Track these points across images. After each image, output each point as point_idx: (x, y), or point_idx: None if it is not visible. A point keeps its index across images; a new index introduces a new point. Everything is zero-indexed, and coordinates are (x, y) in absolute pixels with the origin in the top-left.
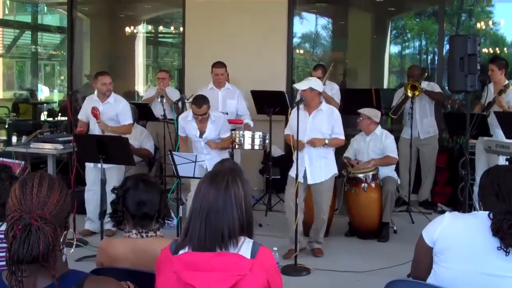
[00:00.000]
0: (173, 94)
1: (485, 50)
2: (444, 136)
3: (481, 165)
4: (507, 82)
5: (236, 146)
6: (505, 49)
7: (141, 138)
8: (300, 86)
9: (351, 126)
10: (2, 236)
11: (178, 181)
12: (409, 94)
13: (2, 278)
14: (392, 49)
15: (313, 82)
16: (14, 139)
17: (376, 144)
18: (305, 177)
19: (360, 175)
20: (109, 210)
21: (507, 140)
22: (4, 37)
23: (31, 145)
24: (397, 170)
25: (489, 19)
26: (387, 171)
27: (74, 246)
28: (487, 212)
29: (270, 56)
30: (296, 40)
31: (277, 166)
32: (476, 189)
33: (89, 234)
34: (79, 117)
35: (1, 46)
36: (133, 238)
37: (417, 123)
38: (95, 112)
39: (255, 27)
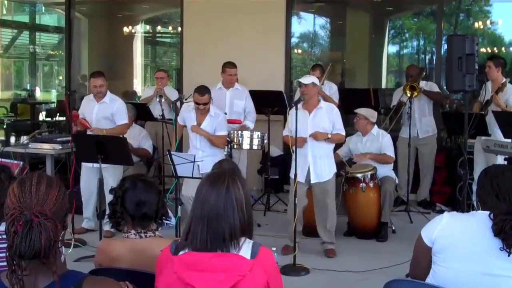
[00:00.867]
0: (172, 94)
1: (483, 49)
2: (442, 135)
3: (479, 164)
4: (504, 80)
5: (235, 146)
6: (503, 48)
7: (139, 138)
8: (304, 80)
9: (350, 125)
10: (1, 236)
11: (177, 181)
12: (408, 95)
13: (2, 278)
14: (390, 48)
15: (314, 78)
16: (12, 139)
17: (373, 144)
18: (308, 177)
19: (359, 175)
20: (108, 209)
21: (506, 140)
22: (2, 37)
23: (30, 145)
24: (395, 169)
25: (487, 18)
26: (386, 171)
27: (72, 246)
28: (486, 212)
29: (268, 56)
30: (294, 40)
31: (276, 166)
32: (475, 188)
33: (84, 232)
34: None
35: None
36: (132, 238)
37: (416, 123)
38: (84, 124)
39: (253, 27)
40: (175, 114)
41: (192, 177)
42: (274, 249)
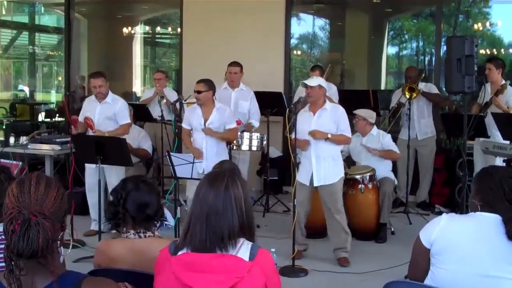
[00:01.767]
0: (171, 95)
1: (482, 51)
2: (442, 137)
3: (478, 166)
4: (503, 82)
5: (234, 147)
6: (502, 50)
7: (139, 139)
8: (310, 82)
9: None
10: (1, 237)
11: (176, 182)
12: (407, 96)
13: (0, 279)
14: (389, 50)
15: (321, 80)
16: (11, 140)
17: (373, 144)
18: (312, 180)
19: (357, 176)
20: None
21: (505, 141)
22: (2, 38)
23: (29, 146)
24: (395, 171)
25: (486, 20)
26: (384, 172)
27: (70, 247)
28: (485, 214)
29: (267, 57)
30: (293, 41)
31: (275, 167)
32: None
33: (94, 234)
34: (79, 118)
35: None
36: (131, 238)
37: (415, 124)
38: (88, 123)
39: (253, 28)
40: (174, 115)
41: (191, 178)
42: (273, 250)
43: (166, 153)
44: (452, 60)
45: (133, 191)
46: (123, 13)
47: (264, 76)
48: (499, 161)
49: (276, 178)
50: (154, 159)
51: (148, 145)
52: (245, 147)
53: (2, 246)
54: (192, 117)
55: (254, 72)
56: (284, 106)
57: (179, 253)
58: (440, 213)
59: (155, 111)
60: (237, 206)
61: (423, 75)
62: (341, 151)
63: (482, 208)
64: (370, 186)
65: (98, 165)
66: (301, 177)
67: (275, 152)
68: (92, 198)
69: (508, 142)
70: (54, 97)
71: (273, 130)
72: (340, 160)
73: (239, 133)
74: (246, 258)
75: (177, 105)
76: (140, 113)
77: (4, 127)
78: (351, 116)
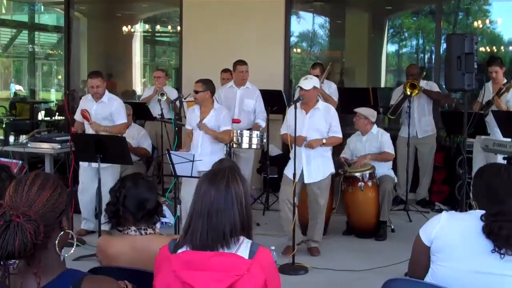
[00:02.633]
0: (171, 93)
1: (482, 49)
2: (442, 134)
3: (478, 164)
4: (505, 81)
5: (234, 145)
6: (502, 47)
7: (138, 137)
8: (306, 85)
9: (349, 125)
10: None
11: (176, 180)
12: (408, 93)
13: None
14: (389, 48)
15: (315, 81)
16: (11, 138)
17: (372, 143)
18: (301, 176)
19: (357, 174)
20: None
21: (505, 139)
22: (1, 37)
23: (29, 145)
24: (394, 169)
25: (486, 17)
26: (384, 170)
27: (74, 246)
28: (482, 212)
29: (267, 55)
30: (293, 39)
31: (275, 165)
32: None
33: (84, 234)
34: (75, 117)
35: None
36: (132, 235)
37: (415, 122)
38: (85, 115)
39: (253, 26)
40: (174, 113)
41: (191, 176)
42: (273, 248)
43: (166, 152)
44: (452, 57)
45: (132, 188)
46: (123, 12)
47: (264, 74)
48: (500, 159)
49: (276, 176)
50: (154, 157)
51: (148, 143)
52: (245, 145)
53: None
54: (191, 116)
55: (254, 70)
56: (284, 104)
57: (179, 251)
58: (440, 210)
59: (155, 110)
60: (238, 203)
61: (425, 73)
62: (345, 157)
63: (478, 205)
64: (370, 184)
65: (98, 163)
66: (290, 173)
67: (275, 150)
68: (85, 197)
69: (508, 139)
70: (54, 95)
71: (273, 128)
72: (330, 156)
73: (238, 131)
74: (246, 256)
75: (177, 103)
76: (140, 112)
77: (4, 126)
78: (351, 114)
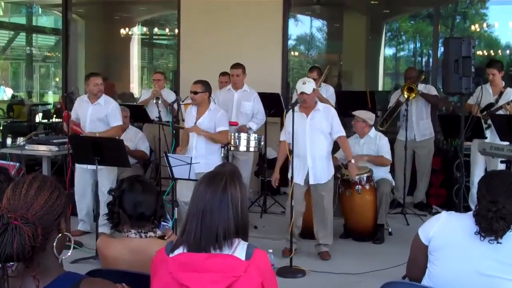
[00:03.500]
0: (169, 96)
1: (479, 52)
2: (439, 137)
3: (477, 167)
4: (503, 84)
5: (232, 148)
6: (499, 51)
7: (136, 140)
8: (307, 89)
9: (346, 128)
10: None
11: (173, 183)
12: (405, 96)
13: None
14: (387, 51)
15: (312, 83)
16: (8, 140)
17: (370, 146)
18: (306, 179)
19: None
20: (103, 211)
21: (502, 142)
22: None
23: (26, 147)
24: (392, 172)
25: (483, 21)
26: (382, 173)
27: (71, 248)
28: None
29: (265, 58)
30: (291, 42)
31: (272, 168)
32: (473, 190)
33: (80, 234)
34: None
35: None
36: (132, 237)
37: (414, 126)
38: (76, 129)
39: (250, 29)
40: (171, 116)
41: (189, 179)
42: (270, 251)
43: (164, 154)
44: (450, 61)
45: (127, 191)
46: (121, 14)
47: (261, 77)
48: (499, 162)
49: None
50: (152, 160)
51: (145, 146)
52: (242, 148)
53: None
54: (189, 117)
55: (251, 73)
56: (281, 107)
57: (176, 251)
58: (437, 214)
59: (153, 112)
60: (233, 207)
61: (423, 76)
62: (341, 158)
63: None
64: (367, 187)
65: (95, 166)
66: (295, 177)
67: (272, 153)
68: (81, 199)
69: (506, 143)
70: (52, 98)
71: (271, 131)
72: (331, 159)
73: (236, 134)
74: (243, 258)
75: (175, 106)
76: (138, 114)
77: (1, 128)
78: (349, 117)
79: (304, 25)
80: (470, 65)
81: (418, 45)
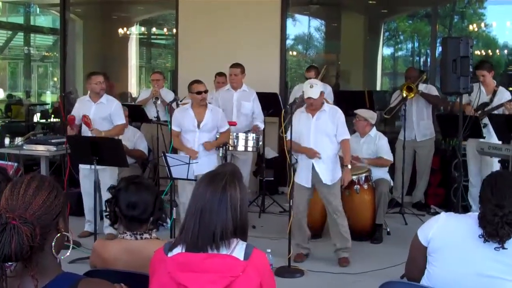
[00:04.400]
0: (167, 95)
1: (477, 52)
2: (438, 137)
3: (472, 166)
4: (495, 83)
5: (230, 148)
6: (497, 50)
7: (134, 140)
8: (314, 94)
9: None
10: None
11: (172, 183)
12: (404, 95)
13: None
14: (385, 51)
15: (320, 86)
16: (6, 140)
17: (370, 146)
18: (313, 180)
19: (353, 177)
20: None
21: (499, 142)
22: None
23: (24, 147)
24: (393, 171)
25: (481, 21)
26: (380, 173)
27: (70, 248)
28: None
29: (263, 58)
30: (289, 42)
31: (271, 168)
32: (471, 189)
33: (87, 235)
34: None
35: None
36: (127, 239)
37: (414, 126)
38: (86, 121)
39: (248, 29)
40: (170, 115)
41: (187, 179)
42: (269, 251)
43: (162, 154)
44: (448, 61)
45: (122, 191)
46: (119, 14)
47: (259, 76)
48: (494, 162)
49: (272, 178)
50: (150, 160)
51: (144, 146)
52: (241, 147)
53: None
54: (184, 118)
55: (249, 72)
56: (279, 107)
57: (174, 251)
58: (435, 213)
59: (151, 112)
60: (232, 207)
61: (424, 76)
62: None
63: (480, 208)
64: (365, 186)
65: (94, 165)
66: (301, 179)
67: (270, 152)
68: (88, 200)
69: (499, 142)
70: (50, 98)
71: (269, 130)
72: (338, 160)
73: (234, 134)
74: (241, 258)
75: (173, 105)
76: (136, 114)
77: None
78: (347, 116)
79: (302, 25)
80: (468, 64)
81: (416, 44)
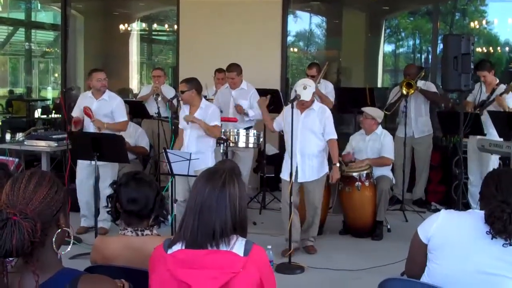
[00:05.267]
0: (168, 92)
1: (478, 49)
2: (438, 134)
3: (473, 163)
4: (497, 81)
5: (231, 144)
6: (498, 48)
7: (136, 136)
8: (306, 97)
9: (345, 124)
10: None
11: (172, 179)
12: (404, 92)
13: None
14: (386, 48)
15: (312, 87)
16: (7, 136)
17: (375, 144)
18: (296, 175)
19: (354, 174)
20: (103, 204)
21: (500, 139)
22: None
23: (25, 143)
24: (392, 169)
25: (482, 18)
26: (382, 171)
27: (71, 244)
28: (481, 212)
29: (264, 54)
30: (290, 39)
31: (271, 164)
32: (470, 188)
33: (84, 232)
34: (73, 114)
35: None
36: (128, 236)
37: (412, 122)
38: (87, 112)
39: (249, 25)
40: (171, 112)
41: (188, 175)
42: (269, 247)
43: (163, 150)
44: (449, 58)
45: (122, 186)
46: (120, 10)
47: (261, 73)
48: (494, 159)
49: (273, 175)
50: (151, 156)
51: (145, 142)
52: (241, 144)
53: None
54: (181, 116)
55: (250, 69)
56: (280, 103)
57: (174, 247)
58: (436, 210)
59: (152, 108)
60: (231, 204)
61: (423, 73)
62: (348, 152)
63: (481, 204)
64: (367, 183)
65: (95, 161)
66: (285, 174)
67: (271, 149)
68: (83, 194)
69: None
70: (51, 93)
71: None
72: (325, 157)
73: (235, 130)
74: (241, 254)
75: (174, 101)
76: (137, 110)
77: (0, 123)
78: (348, 114)
79: (303, 22)
80: (469, 62)
81: (417, 42)
